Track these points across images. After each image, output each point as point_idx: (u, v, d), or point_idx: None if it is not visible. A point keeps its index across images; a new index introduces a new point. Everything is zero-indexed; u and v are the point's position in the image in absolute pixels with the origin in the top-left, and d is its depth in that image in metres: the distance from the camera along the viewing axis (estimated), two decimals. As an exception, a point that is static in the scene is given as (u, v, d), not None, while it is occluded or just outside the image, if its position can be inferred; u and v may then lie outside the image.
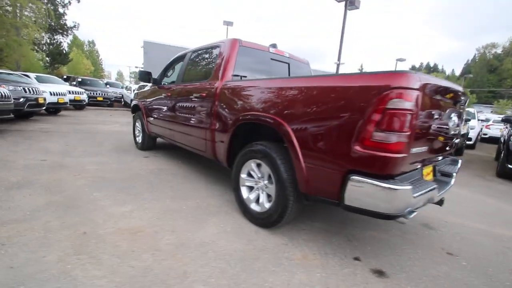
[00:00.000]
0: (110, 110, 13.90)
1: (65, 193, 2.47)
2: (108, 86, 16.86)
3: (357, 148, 1.45)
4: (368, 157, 1.42)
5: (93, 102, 13.86)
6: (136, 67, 61.66)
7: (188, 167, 3.77)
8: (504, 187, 4.44)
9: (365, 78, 1.45)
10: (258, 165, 2.14)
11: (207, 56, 3.02)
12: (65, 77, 18.68)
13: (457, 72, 76.33)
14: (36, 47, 23.19)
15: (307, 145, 1.68)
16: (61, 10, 24.52)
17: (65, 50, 29.14)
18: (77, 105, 11.89)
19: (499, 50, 67.14)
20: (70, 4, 24.56)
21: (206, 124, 2.68)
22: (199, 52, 3.17)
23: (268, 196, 2.07)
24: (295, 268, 1.64)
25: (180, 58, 3.73)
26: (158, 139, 4.64)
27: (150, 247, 1.71)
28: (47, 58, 28.79)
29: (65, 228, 1.84)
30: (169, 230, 1.96)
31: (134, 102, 4.82)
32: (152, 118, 4.04)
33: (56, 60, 28.37)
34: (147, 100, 4.18)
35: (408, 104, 1.33)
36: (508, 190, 4.25)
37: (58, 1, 23.92)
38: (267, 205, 2.03)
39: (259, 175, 2.14)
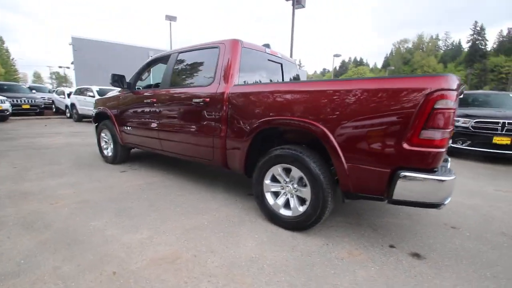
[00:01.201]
0: (42, 119, 11.90)
1: (54, 228, 2.04)
2: (33, 91, 14.36)
3: (406, 146, 1.54)
4: (416, 154, 1.53)
5: (18, 112, 11.66)
6: (60, 66, 54.08)
7: (178, 177, 3.49)
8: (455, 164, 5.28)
9: (412, 80, 1.54)
10: (285, 170, 2.11)
11: (201, 58, 2.80)
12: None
13: (379, 65, 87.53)
14: None
15: (350, 147, 1.71)
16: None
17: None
18: (-2, 117, 9.86)
19: (410, 45, 78.94)
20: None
21: (213, 131, 2.51)
22: (189, 54, 2.92)
23: (300, 199, 2.06)
24: (351, 266, 1.68)
25: (161, 60, 3.39)
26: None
27: (201, 273, 1.54)
28: None
29: (86, 272, 1.53)
30: (207, 251, 1.79)
31: (96, 111, 4.21)
32: (129, 127, 3.59)
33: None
34: (120, 107, 3.70)
35: (452, 104, 1.47)
36: (461, 166, 5.07)
37: None
38: (301, 208, 2.02)
39: (287, 180, 2.10)
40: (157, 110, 3.08)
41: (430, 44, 76.34)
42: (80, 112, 11.07)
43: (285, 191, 2.14)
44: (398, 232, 2.18)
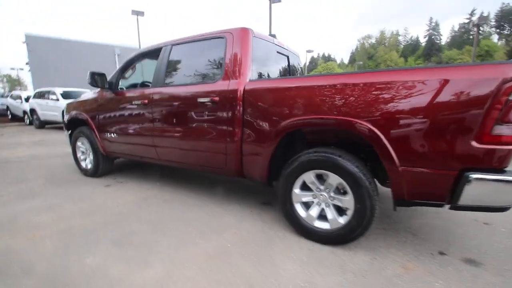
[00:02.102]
0: (-4, 127, 10.51)
1: (36, 272, 1.58)
2: (-18, 96, 12.66)
3: (475, 144, 1.34)
4: (487, 152, 1.33)
5: (-36, 120, 10.17)
6: (12, 68, 49.25)
7: (175, 188, 3.08)
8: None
9: (483, 68, 1.33)
10: (318, 176, 1.84)
11: (203, 50, 2.42)
12: None
13: (346, 61, 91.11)
14: None
15: (406, 149, 1.48)
16: None
17: None
18: None
19: (373, 40, 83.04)
20: None
21: (224, 135, 2.16)
22: (186, 46, 2.52)
23: (338, 209, 1.81)
24: (413, 283, 1.46)
25: (149, 55, 2.94)
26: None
27: (251, 320, 1.22)
28: None
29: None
30: (243, 283, 1.46)
31: (69, 116, 3.62)
32: (112, 134, 3.09)
33: None
34: (101, 111, 3.17)
35: (527, 93, 1.29)
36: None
37: None
38: (342, 220, 1.77)
39: (321, 187, 1.84)
40: (151, 112, 2.64)
41: (391, 39, 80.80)
42: (42, 118, 9.93)
43: (318, 200, 1.87)
44: (437, 234, 2.02)
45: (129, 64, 3.10)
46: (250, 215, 2.34)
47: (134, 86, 3.31)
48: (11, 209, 2.51)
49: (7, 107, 13.15)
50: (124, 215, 2.36)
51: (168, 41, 2.70)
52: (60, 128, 9.90)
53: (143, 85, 3.27)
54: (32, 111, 10.34)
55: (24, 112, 11.51)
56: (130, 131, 2.91)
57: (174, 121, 2.48)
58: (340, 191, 1.79)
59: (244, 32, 2.18)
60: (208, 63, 2.37)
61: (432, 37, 72.89)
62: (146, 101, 2.66)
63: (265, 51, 2.44)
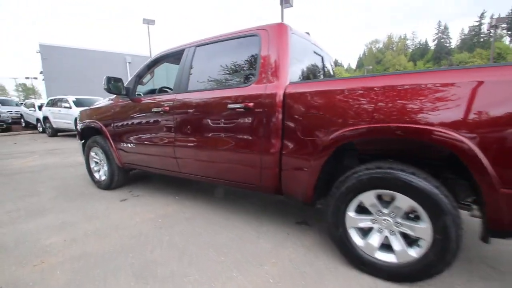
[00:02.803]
0: (10, 135, 10.57)
1: (45, 316, 1.30)
2: (-2, 104, 12.85)
3: None
4: None
5: (-20, 128, 10.26)
6: (27, 77, 50.60)
7: (196, 203, 2.79)
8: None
9: None
10: (380, 197, 1.52)
11: (232, 51, 2.15)
12: None
13: (353, 66, 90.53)
14: None
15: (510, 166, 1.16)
16: None
17: None
18: (-46, 136, 8.53)
19: (381, 45, 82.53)
20: None
21: (260, 146, 1.87)
22: (213, 46, 2.25)
23: (406, 237, 1.47)
24: None
25: (169, 58, 2.70)
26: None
27: None
28: None
29: None
30: None
31: (83, 125, 3.40)
32: (129, 144, 2.84)
33: None
34: (116, 119, 2.94)
35: None
36: None
37: None
38: (414, 252, 1.43)
39: (385, 211, 1.51)
40: (172, 121, 2.38)
41: (399, 43, 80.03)
42: (54, 125, 9.90)
43: (380, 226, 1.55)
44: (522, 267, 1.65)
45: (147, 69, 2.86)
46: (288, 239, 2.02)
47: (152, 92, 3.08)
48: (20, 229, 2.26)
49: (21, 115, 13.28)
50: (144, 237, 2.07)
51: (190, 42, 2.45)
52: (73, 136, 9.85)
53: (163, 91, 3.02)
54: (45, 119, 10.34)
55: (37, 120, 11.56)
56: (148, 141, 2.65)
57: (199, 130, 2.20)
58: (411, 216, 1.46)
59: (281, 28, 1.90)
60: (238, 64, 2.10)
61: (442, 40, 71.85)
62: (166, 108, 2.40)
63: (302, 50, 2.16)
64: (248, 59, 2.02)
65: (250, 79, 1.96)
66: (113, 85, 2.63)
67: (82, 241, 2.03)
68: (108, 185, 3.26)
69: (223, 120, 2.04)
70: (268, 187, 1.95)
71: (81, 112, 3.62)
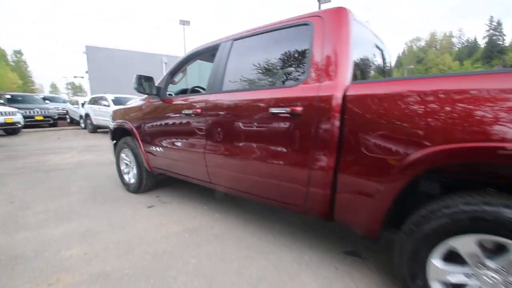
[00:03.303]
0: (56, 130, 11.35)
1: None
2: (47, 101, 13.92)
3: None
4: None
5: (31, 124, 11.15)
6: (75, 76, 55.19)
7: (225, 215, 2.50)
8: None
9: None
10: (483, 244, 1.08)
11: (276, 44, 1.82)
12: (-15, 94, 15.04)
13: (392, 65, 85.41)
14: None
15: None
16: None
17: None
18: (9, 130, 9.30)
19: (423, 43, 76.95)
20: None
21: (309, 160, 1.51)
22: (253, 40, 1.94)
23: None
24: None
25: (204, 54, 2.45)
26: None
27: None
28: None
29: None
30: None
31: (115, 124, 3.31)
32: (158, 148, 2.65)
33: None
34: (146, 120, 2.76)
35: None
36: None
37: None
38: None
39: (491, 265, 1.07)
40: (204, 124, 2.11)
41: (444, 41, 73.96)
42: (94, 122, 10.41)
43: (480, 284, 1.10)
44: None
45: (180, 67, 2.64)
46: (337, 276, 1.64)
47: (184, 92, 2.86)
48: (44, 234, 2.15)
49: (67, 111, 14.27)
50: (169, 256, 1.82)
51: (227, 36, 2.16)
52: (110, 133, 10.26)
53: (195, 91, 2.79)
54: (87, 116, 10.94)
55: (80, 117, 12.30)
56: (178, 145, 2.42)
57: (234, 136, 1.90)
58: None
59: (340, 15, 1.52)
60: (283, 60, 1.75)
61: (493, 37, 64.86)
62: (198, 110, 2.13)
63: (363, 42, 1.76)
64: (296, 54, 1.67)
65: (298, 78, 1.61)
66: (143, 84, 2.44)
67: (102, 256, 1.84)
68: (137, 189, 3.12)
69: (262, 126, 1.72)
70: (315, 211, 1.58)
71: (114, 111, 3.54)
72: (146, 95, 2.77)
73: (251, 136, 1.79)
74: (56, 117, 12.28)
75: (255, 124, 1.75)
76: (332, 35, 1.50)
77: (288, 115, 1.56)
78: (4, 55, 40.63)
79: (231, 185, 2.06)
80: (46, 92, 63.47)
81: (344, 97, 1.38)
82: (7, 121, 8.69)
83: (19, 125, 9.38)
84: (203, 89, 2.67)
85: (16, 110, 9.50)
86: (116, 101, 9.73)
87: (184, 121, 2.31)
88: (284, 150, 1.61)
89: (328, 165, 1.44)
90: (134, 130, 2.92)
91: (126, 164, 3.29)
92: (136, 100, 3.12)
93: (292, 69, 1.67)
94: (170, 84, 2.77)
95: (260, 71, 1.85)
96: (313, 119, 1.46)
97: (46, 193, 3.19)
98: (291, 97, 1.56)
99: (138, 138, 2.88)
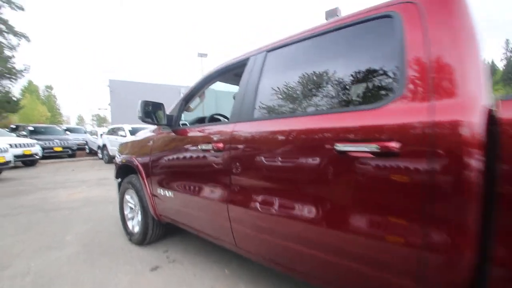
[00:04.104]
0: (73, 161, 11.26)
1: None
2: (68, 132, 14.18)
3: None
4: None
5: (50, 155, 11.16)
6: (100, 108, 58.25)
7: (254, 285, 1.81)
8: None
9: None
10: None
11: (337, 48, 1.25)
12: (13, 126, 15.66)
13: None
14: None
15: None
16: (8, 53, 21.63)
17: (15, 97, 25.52)
18: (27, 161, 9.24)
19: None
20: (18, 46, 21.84)
21: (422, 234, 0.85)
22: (298, 46, 1.40)
23: None
24: None
25: (228, 73, 1.95)
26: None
27: None
28: (-7, 108, 25.00)
29: None
30: None
31: (120, 159, 2.81)
32: (167, 192, 2.07)
33: (4, 109, 24.68)
34: (155, 156, 2.23)
35: None
36: None
37: (3, 43, 21.11)
38: None
39: None
40: (227, 164, 1.52)
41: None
42: (110, 153, 10.22)
43: None
44: None
45: (196, 91, 2.15)
46: None
47: (201, 121, 2.35)
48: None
49: (86, 142, 14.42)
50: None
51: (257, 48, 1.65)
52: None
53: (215, 119, 2.27)
54: (104, 146, 10.83)
55: (98, 147, 12.27)
56: (191, 189, 1.84)
57: (273, 183, 1.29)
58: None
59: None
60: (352, 71, 1.17)
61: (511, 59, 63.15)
62: (219, 145, 1.56)
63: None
64: (373, 61, 1.09)
65: (383, 95, 1.01)
66: (149, 112, 1.94)
67: None
68: (141, 241, 2.51)
69: (321, 171, 1.10)
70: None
71: (121, 144, 3.08)
72: (152, 127, 2.27)
73: (301, 182, 1.17)
74: (75, 148, 12.31)
75: (307, 167, 1.14)
76: (444, 27, 0.91)
77: (370, 155, 0.94)
78: (36, 90, 43.82)
79: (268, 254, 1.41)
80: (73, 124, 67.15)
81: (492, 122, 0.76)
82: (25, 153, 8.62)
83: (37, 157, 9.32)
84: (226, 117, 2.14)
85: (35, 141, 9.52)
86: (133, 132, 9.57)
87: (200, 158, 1.74)
88: (368, 211, 0.97)
89: (466, 246, 0.78)
90: (140, 167, 2.39)
91: (131, 208, 2.72)
92: (145, 131, 2.64)
93: (368, 82, 1.08)
94: (185, 112, 2.29)
95: (312, 89, 1.28)
96: (423, 161, 0.84)
97: (36, 243, 2.65)
98: (372, 126, 0.96)
99: (144, 177, 2.34)
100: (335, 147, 1.02)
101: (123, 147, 2.97)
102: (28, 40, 22.45)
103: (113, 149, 10.09)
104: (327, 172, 1.07)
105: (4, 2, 20.12)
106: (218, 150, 1.57)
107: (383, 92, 1.01)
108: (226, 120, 2.07)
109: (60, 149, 11.53)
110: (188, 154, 1.87)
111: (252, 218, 1.40)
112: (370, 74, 1.08)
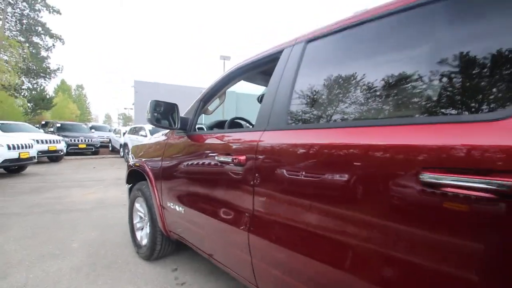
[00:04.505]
0: (95, 158, 11.51)
1: None
2: (93, 130, 14.64)
3: None
4: None
5: (74, 151, 11.49)
6: (125, 108, 60.60)
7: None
8: None
9: None
10: None
11: (410, 27, 0.90)
12: (43, 123, 16.48)
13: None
14: (15, 93, 21.09)
15: None
16: (44, 53, 23.05)
17: (49, 95, 27.12)
18: (52, 157, 9.51)
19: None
20: (54, 47, 23.21)
21: None
22: (352, 32, 1.05)
23: None
24: None
25: (253, 69, 1.64)
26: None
27: None
28: (29, 104, 26.71)
29: None
30: None
31: (132, 162, 2.59)
32: (178, 206, 1.79)
33: (39, 106, 26.29)
34: (166, 164, 1.97)
35: None
36: None
37: (40, 45, 22.53)
38: None
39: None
40: (250, 183, 1.20)
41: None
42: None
43: None
44: None
45: (216, 91, 1.87)
46: None
47: (221, 125, 2.06)
48: None
49: (110, 140, 14.79)
50: None
51: (294, 38, 1.33)
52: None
53: (236, 125, 1.97)
54: (125, 145, 10.96)
55: (120, 146, 12.48)
56: (204, 207, 1.53)
57: (314, 215, 0.95)
58: None
59: None
60: (452, 60, 0.80)
61: None
62: (241, 158, 1.25)
63: None
64: (488, 46, 0.72)
65: (509, 99, 0.64)
66: (160, 114, 1.67)
67: None
68: (148, 257, 2.25)
69: (388, 208, 0.74)
70: None
71: (133, 147, 2.87)
72: (164, 131, 2.01)
73: (362, 225, 0.82)
74: (98, 145, 12.61)
75: (370, 200, 0.79)
76: None
77: (492, 196, 0.57)
78: (69, 89, 46.40)
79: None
80: (101, 122, 70.35)
81: None
82: (50, 149, 8.86)
83: (61, 153, 9.56)
84: (250, 123, 1.83)
85: (61, 138, 9.80)
86: (154, 132, 9.57)
87: (217, 171, 1.44)
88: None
89: None
90: (150, 174, 2.13)
91: (140, 218, 2.48)
92: (159, 134, 2.40)
93: (477, 81, 0.71)
94: (203, 115, 2.01)
95: (380, 89, 0.92)
96: None
97: (40, 249, 2.48)
98: (497, 147, 0.59)
99: (154, 186, 2.08)
100: (420, 177, 0.67)
101: (136, 149, 2.76)
102: (63, 43, 23.79)
103: (144, 141, 10.18)
104: (401, 210, 0.71)
105: (43, 6, 21.48)
106: (239, 163, 1.26)
107: (508, 95, 0.64)
108: (250, 126, 1.76)
109: (84, 146, 11.85)
110: (202, 165, 1.57)
111: (281, 257, 1.07)
112: (482, 65, 0.70)
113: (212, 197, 1.49)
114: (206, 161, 1.53)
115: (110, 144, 14.79)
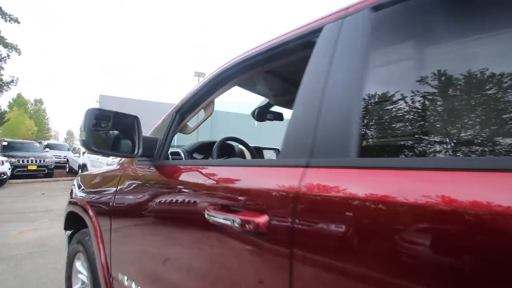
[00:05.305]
0: (48, 182, 10.02)
1: None
2: (47, 149, 12.98)
3: None
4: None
5: (22, 174, 9.87)
6: (90, 125, 56.67)
7: None
8: None
9: None
10: None
11: None
12: (-13, 141, 14.36)
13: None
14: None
15: None
16: (-4, 65, 20.68)
17: (1, 110, 24.23)
18: (-7, 181, 8.02)
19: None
20: (8, 58, 21.00)
21: None
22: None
23: None
24: None
25: (267, 62, 1.06)
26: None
27: None
28: (-25, 120, 23.60)
29: None
30: None
31: (74, 199, 1.82)
32: (132, 282, 1.09)
33: (-12, 121, 23.27)
34: (120, 206, 1.27)
35: None
36: None
37: (-9, 55, 20.24)
38: None
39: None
40: (289, 271, 0.58)
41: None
42: (90, 174, 9.08)
43: None
44: None
45: (199, 98, 1.25)
46: None
47: (206, 149, 1.42)
48: None
49: (67, 160, 13.19)
50: None
51: (337, 8, 0.79)
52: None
53: (229, 148, 1.36)
54: (84, 166, 9.70)
55: (79, 166, 11.09)
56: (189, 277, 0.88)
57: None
58: None
59: None
60: None
61: None
62: (261, 219, 0.64)
63: None
64: None
65: None
66: (107, 133, 1.02)
67: None
68: None
69: None
70: None
71: (79, 176, 2.10)
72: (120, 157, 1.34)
73: None
74: (52, 166, 11.06)
75: None
76: None
77: None
78: (25, 103, 42.43)
79: None
80: (62, 139, 64.81)
81: None
82: (-12, 173, 7.44)
83: (4, 176, 8.11)
84: (251, 149, 1.23)
85: (5, 159, 8.36)
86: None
87: (208, 238, 0.80)
88: None
89: None
90: (95, 221, 1.41)
91: (82, 283, 1.70)
92: (113, 161, 1.70)
93: None
94: (179, 134, 1.37)
95: None
96: None
97: None
98: None
99: (99, 240, 1.36)
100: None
101: (82, 180, 1.99)
102: (19, 53, 21.72)
103: (92, 170, 8.99)
104: None
105: (-3, 14, 19.60)
106: (256, 230, 0.64)
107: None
108: (272, 152, 1.13)
109: (34, 167, 10.28)
110: (179, 220, 0.92)
111: None
112: None
113: (187, 262, 0.84)
114: (187, 215, 0.89)
115: (67, 165, 13.18)
